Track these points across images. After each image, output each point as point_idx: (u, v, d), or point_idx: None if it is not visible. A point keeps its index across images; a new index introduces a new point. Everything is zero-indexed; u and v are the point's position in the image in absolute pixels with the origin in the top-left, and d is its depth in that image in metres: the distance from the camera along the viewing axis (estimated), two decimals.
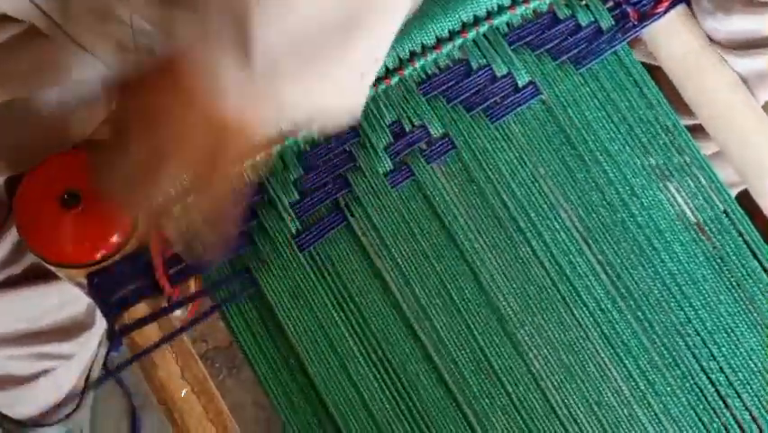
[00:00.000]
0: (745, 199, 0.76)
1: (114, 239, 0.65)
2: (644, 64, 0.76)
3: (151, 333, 0.65)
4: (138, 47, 0.71)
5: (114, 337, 0.67)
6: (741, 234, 0.72)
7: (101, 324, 0.96)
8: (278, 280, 0.68)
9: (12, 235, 0.79)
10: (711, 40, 0.75)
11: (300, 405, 0.68)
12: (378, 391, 0.68)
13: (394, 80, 0.72)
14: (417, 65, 0.72)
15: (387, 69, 0.72)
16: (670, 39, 0.75)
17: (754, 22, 0.70)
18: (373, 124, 0.71)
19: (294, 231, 0.69)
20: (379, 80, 0.71)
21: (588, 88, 0.74)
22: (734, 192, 0.84)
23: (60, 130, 0.72)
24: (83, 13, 0.68)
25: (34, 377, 0.92)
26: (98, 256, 0.65)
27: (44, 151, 0.68)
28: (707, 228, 0.73)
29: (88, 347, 0.97)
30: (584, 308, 0.70)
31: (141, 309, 0.66)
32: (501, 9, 0.74)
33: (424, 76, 0.73)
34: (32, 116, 0.71)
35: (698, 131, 0.76)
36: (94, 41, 0.69)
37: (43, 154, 0.67)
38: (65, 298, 0.88)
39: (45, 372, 0.92)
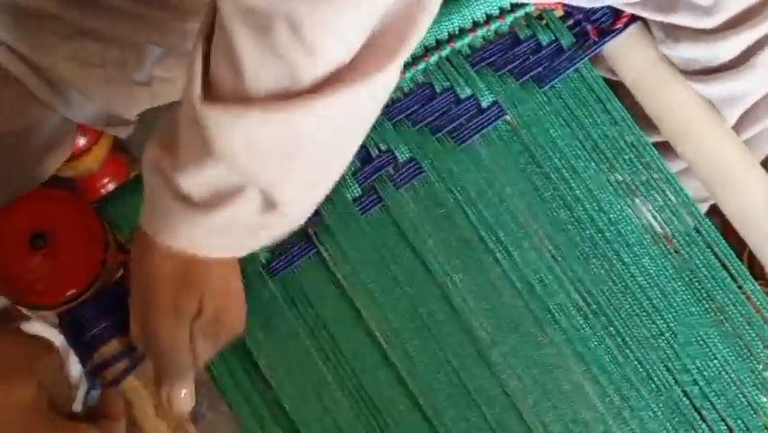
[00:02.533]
0: (716, 213, 0.76)
1: (83, 279, 0.65)
2: (607, 81, 0.76)
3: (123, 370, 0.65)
4: (106, 60, 0.71)
5: (90, 377, 0.67)
6: (710, 246, 0.73)
7: (75, 363, 0.95)
8: (250, 310, 0.68)
9: None
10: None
11: None
12: (353, 418, 0.68)
13: None
14: None
15: None
16: (629, 55, 0.75)
17: (706, 51, 0.70)
18: None
19: (264, 261, 0.69)
20: None
21: (551, 107, 0.75)
22: (704, 207, 0.85)
23: (28, 167, 0.72)
24: (47, 36, 0.68)
25: None
26: (68, 295, 0.65)
27: (12, 189, 0.68)
28: (676, 241, 0.73)
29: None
30: (556, 326, 0.71)
31: (112, 347, 0.66)
32: (462, 32, 0.75)
33: (388, 101, 0.73)
34: (3, 152, 0.71)
35: (666, 147, 0.77)
36: (60, 63, 0.69)
37: (14, 193, 0.67)
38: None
39: None
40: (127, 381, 0.65)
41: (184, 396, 0.58)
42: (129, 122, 0.78)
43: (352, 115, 0.54)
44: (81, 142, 0.91)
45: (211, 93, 0.53)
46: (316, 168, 0.57)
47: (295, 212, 0.59)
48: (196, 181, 0.54)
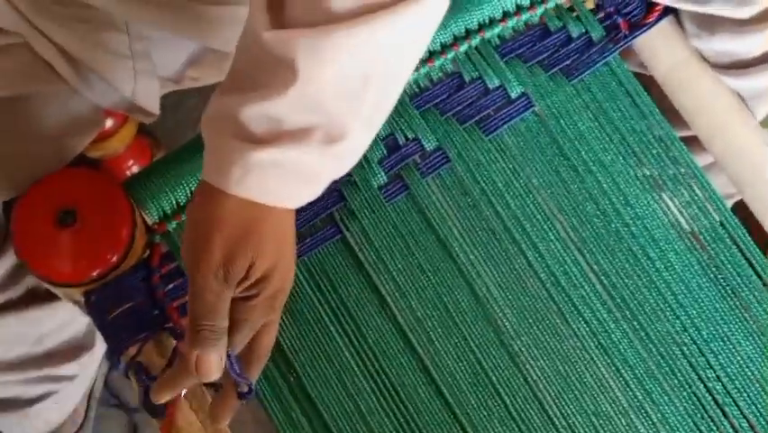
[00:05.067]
0: (741, 209, 0.76)
1: (111, 256, 0.65)
2: (636, 74, 0.76)
3: (151, 351, 0.66)
4: (136, 53, 0.71)
5: (113, 356, 0.68)
6: (736, 243, 0.72)
7: (101, 343, 0.96)
8: None
9: (9, 259, 0.80)
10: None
11: (299, 421, 0.68)
12: (375, 403, 0.68)
13: None
14: (410, 79, 0.73)
15: None
16: (660, 49, 0.75)
17: (740, 43, 0.70)
18: None
19: None
20: None
21: (580, 99, 0.74)
22: (730, 203, 0.85)
23: (56, 146, 0.73)
24: (74, 25, 0.69)
25: (37, 400, 0.92)
26: (95, 274, 0.65)
27: (41, 168, 0.69)
28: (702, 237, 0.73)
29: (90, 367, 0.97)
30: (580, 319, 0.71)
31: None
32: (493, 22, 0.75)
33: (417, 89, 0.73)
34: (28, 131, 0.71)
35: (693, 142, 0.77)
36: (90, 53, 0.69)
37: (41, 172, 0.67)
38: (65, 319, 0.88)
39: (47, 394, 0.92)
40: (153, 361, 0.66)
41: (213, 362, 0.57)
42: (154, 113, 0.79)
43: (422, 32, 0.55)
44: (108, 123, 0.91)
45: (284, 20, 0.53)
46: (382, 98, 0.56)
47: (353, 151, 0.58)
48: (262, 117, 0.53)
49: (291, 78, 0.53)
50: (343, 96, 0.54)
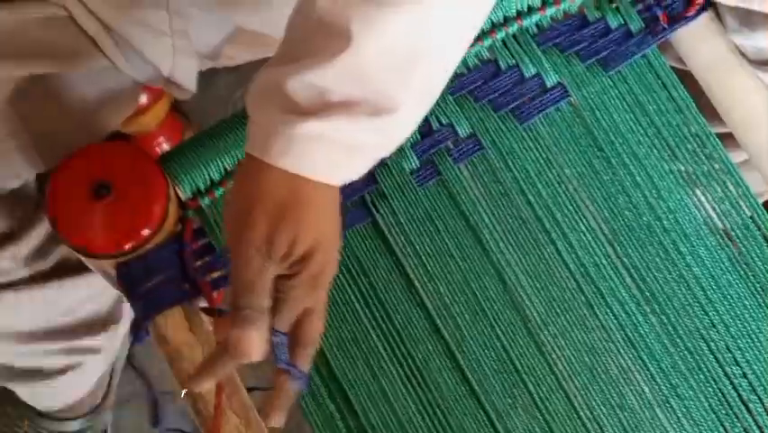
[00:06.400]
0: None
1: (144, 230, 0.66)
2: (674, 69, 0.76)
3: (178, 322, 0.66)
4: (175, 31, 0.72)
5: (139, 328, 0.68)
6: (767, 240, 0.72)
7: (126, 318, 0.97)
8: None
9: (39, 231, 0.80)
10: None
11: (323, 400, 0.68)
12: (400, 386, 0.68)
13: None
14: None
15: None
16: (699, 43, 0.75)
17: None
18: None
19: None
20: None
21: (616, 91, 0.74)
22: (761, 201, 0.84)
23: (92, 121, 0.73)
24: (118, 0, 0.69)
25: (63, 371, 0.93)
26: (128, 247, 0.66)
27: (76, 142, 0.69)
28: (733, 234, 0.72)
29: (115, 341, 0.98)
30: (608, 311, 0.71)
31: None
32: (531, 10, 0.74)
33: (452, 75, 0.73)
34: (65, 104, 0.72)
35: (727, 138, 0.76)
36: (131, 29, 0.70)
37: (75, 146, 0.68)
38: (93, 291, 0.89)
39: (73, 366, 0.93)
40: (179, 332, 0.66)
41: (254, 340, 0.56)
42: (190, 89, 0.79)
43: (478, 11, 0.55)
44: (143, 99, 0.92)
45: None
46: (433, 75, 0.56)
47: (401, 127, 0.58)
48: (308, 87, 0.53)
49: (342, 47, 0.52)
50: (394, 69, 0.54)
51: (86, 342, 0.92)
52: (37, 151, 0.72)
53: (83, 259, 0.68)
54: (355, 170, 0.58)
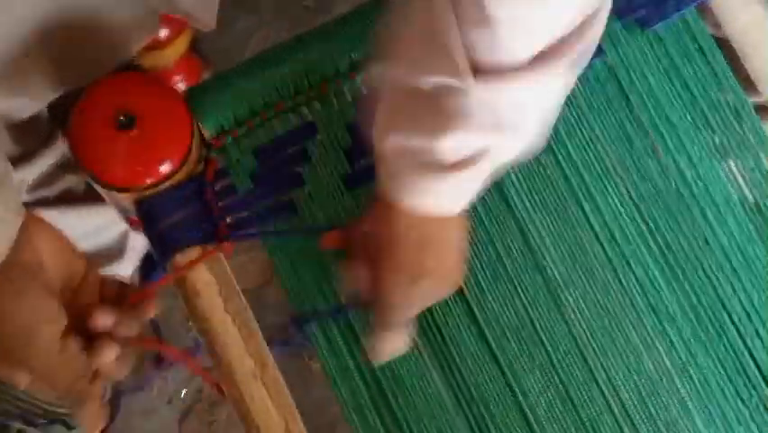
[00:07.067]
0: None
1: (167, 165, 0.64)
2: (711, 37, 0.74)
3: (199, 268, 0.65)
4: None
5: (157, 264, 0.67)
6: None
7: (130, 256, 0.95)
8: (320, 207, 0.69)
9: (47, 159, 0.79)
10: None
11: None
12: (417, 340, 0.67)
13: None
14: None
15: None
16: (738, 7, 0.73)
17: None
18: None
19: (343, 173, 0.69)
20: None
21: (652, 52, 0.72)
22: None
23: (109, 45, 0.71)
24: None
25: None
26: (149, 181, 0.65)
27: (93, 68, 0.67)
28: (762, 205, 0.71)
29: (117, 276, 0.97)
30: (631, 275, 0.70)
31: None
32: None
33: None
34: (81, 26, 0.70)
35: (762, 110, 0.75)
36: None
37: (92, 72, 0.66)
38: (97, 224, 0.87)
39: None
40: (200, 272, 0.65)
41: (401, 342, 0.65)
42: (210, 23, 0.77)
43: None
44: (163, 33, 0.90)
45: (479, 68, 0.55)
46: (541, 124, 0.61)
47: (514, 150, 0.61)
48: (456, 147, 0.57)
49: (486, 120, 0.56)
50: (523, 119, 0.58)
51: None
52: (53, 73, 0.70)
53: (102, 191, 0.67)
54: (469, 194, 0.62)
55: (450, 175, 0.58)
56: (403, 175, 0.59)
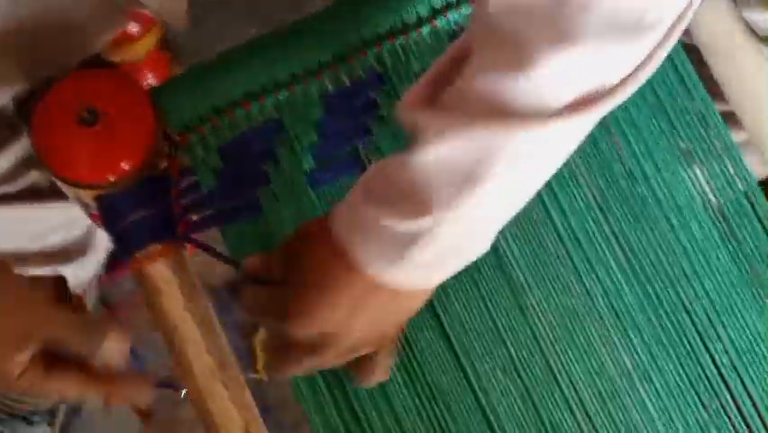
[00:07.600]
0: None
1: (129, 162, 0.64)
2: (679, 43, 0.74)
3: (158, 259, 0.65)
4: None
5: (115, 262, 0.67)
6: (760, 220, 0.72)
7: (96, 251, 0.95)
8: (284, 206, 0.68)
9: (12, 153, 0.78)
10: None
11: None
12: None
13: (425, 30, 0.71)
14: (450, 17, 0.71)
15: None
16: (707, 15, 0.73)
17: None
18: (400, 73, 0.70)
19: (308, 169, 0.69)
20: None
21: None
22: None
23: (76, 39, 0.70)
24: None
25: None
26: (112, 178, 0.64)
27: (58, 60, 0.66)
28: (725, 210, 0.72)
29: (81, 273, 0.97)
30: (594, 277, 0.70)
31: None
32: None
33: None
34: (50, 19, 0.69)
35: (730, 117, 0.75)
36: None
37: (57, 64, 0.65)
38: (60, 221, 0.86)
39: None
40: (159, 268, 0.65)
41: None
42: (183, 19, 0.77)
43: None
44: (134, 28, 0.89)
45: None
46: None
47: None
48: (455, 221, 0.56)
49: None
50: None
51: (52, 270, 0.90)
52: (14, 65, 0.70)
53: (62, 187, 0.66)
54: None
55: (421, 252, 0.56)
56: (384, 245, 0.56)
